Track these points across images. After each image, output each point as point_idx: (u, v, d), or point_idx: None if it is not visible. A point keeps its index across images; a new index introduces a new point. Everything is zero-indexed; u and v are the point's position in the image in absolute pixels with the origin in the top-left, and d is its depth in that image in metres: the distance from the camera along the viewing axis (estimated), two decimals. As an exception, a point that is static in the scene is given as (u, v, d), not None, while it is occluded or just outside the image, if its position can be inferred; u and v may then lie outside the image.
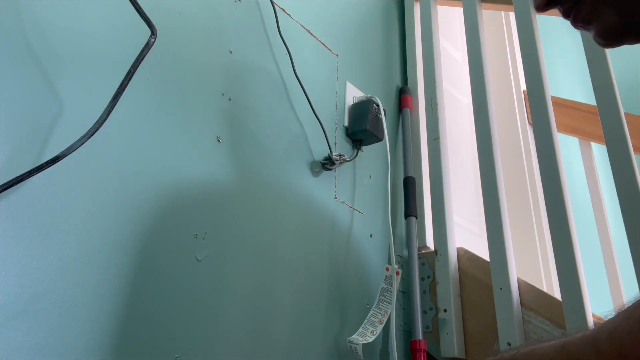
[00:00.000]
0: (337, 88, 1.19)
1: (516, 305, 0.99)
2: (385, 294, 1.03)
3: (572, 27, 0.59)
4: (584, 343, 0.45)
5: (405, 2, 1.58)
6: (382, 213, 1.20)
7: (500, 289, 1.01)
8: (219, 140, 0.87)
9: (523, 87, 2.01)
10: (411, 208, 1.23)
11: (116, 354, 0.65)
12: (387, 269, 1.06)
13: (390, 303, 1.02)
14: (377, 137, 1.16)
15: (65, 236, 0.64)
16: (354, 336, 0.97)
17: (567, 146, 2.05)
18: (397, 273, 1.05)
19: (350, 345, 0.95)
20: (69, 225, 0.64)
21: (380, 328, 0.98)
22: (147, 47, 0.66)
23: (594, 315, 0.92)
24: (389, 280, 1.05)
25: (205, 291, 0.78)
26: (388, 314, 1.01)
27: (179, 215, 0.77)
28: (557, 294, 0.99)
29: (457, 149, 1.70)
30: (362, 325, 0.99)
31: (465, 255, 1.16)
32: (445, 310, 1.09)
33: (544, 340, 0.48)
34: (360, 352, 0.93)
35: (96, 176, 0.69)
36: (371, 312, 1.01)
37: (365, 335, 0.97)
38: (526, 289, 1.01)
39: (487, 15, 1.62)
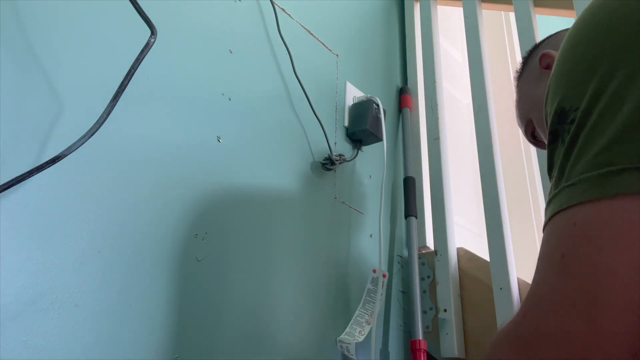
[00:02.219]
0: (337, 88, 1.19)
1: (516, 305, 0.99)
2: (371, 294, 1.03)
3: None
4: None
5: (405, 2, 1.58)
6: (382, 213, 1.20)
7: (500, 289, 1.01)
8: (219, 140, 0.87)
9: (523, 87, 2.01)
10: (411, 208, 1.23)
11: (116, 353, 0.65)
12: (375, 271, 1.06)
13: (374, 303, 1.02)
14: (377, 137, 1.16)
15: (65, 236, 0.64)
16: (343, 336, 0.96)
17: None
18: (384, 275, 1.05)
19: (341, 345, 0.95)
20: (69, 225, 0.64)
21: (368, 328, 0.98)
22: (147, 47, 0.66)
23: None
24: (375, 281, 1.05)
25: (205, 291, 0.78)
26: (375, 315, 1.00)
27: (179, 215, 0.77)
28: (557, 294, 0.99)
29: (457, 149, 1.70)
30: (349, 325, 0.99)
31: (465, 255, 1.16)
32: (445, 310, 1.09)
33: None
34: (352, 350, 0.93)
35: (96, 176, 0.69)
36: (357, 312, 1.01)
37: (354, 335, 0.97)
38: (526, 289, 1.01)
39: (487, 15, 1.62)
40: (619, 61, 0.39)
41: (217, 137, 0.87)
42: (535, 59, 0.71)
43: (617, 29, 0.41)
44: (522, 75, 0.77)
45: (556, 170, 0.42)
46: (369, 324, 0.99)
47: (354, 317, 1.00)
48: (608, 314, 0.34)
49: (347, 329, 0.98)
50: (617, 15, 0.41)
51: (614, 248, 0.35)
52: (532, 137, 0.75)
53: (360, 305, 1.02)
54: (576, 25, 0.46)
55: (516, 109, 0.78)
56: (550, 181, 0.45)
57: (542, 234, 0.43)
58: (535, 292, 0.40)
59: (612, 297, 0.34)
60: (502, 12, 2.10)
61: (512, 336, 0.41)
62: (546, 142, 0.45)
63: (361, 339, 0.96)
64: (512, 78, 2.11)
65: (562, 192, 0.40)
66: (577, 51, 0.44)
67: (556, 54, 0.65)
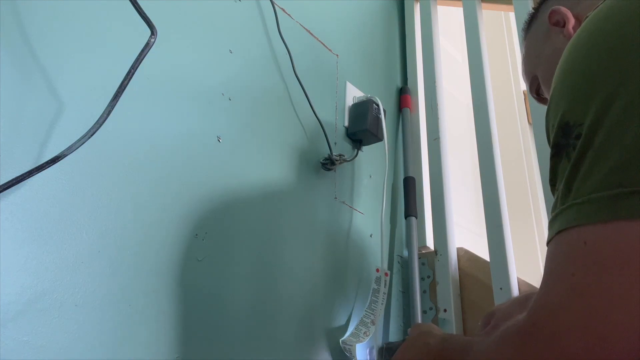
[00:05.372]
0: (337, 88, 1.19)
1: (516, 305, 0.98)
2: (376, 294, 1.03)
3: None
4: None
5: (405, 2, 1.58)
6: (383, 213, 1.20)
7: (500, 289, 1.01)
8: (219, 140, 0.87)
9: (523, 87, 2.01)
10: (411, 208, 1.23)
11: (116, 353, 0.65)
12: (378, 270, 1.06)
13: (382, 303, 1.02)
14: (377, 137, 1.16)
15: (65, 236, 0.64)
16: (347, 337, 0.96)
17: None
18: (386, 274, 1.05)
19: (344, 347, 0.95)
20: (69, 225, 0.64)
21: (373, 329, 0.98)
22: (147, 47, 0.66)
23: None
24: (378, 280, 1.05)
25: (205, 291, 0.78)
26: (380, 315, 1.01)
27: (180, 215, 0.77)
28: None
29: (457, 149, 1.70)
30: (355, 327, 0.99)
31: (465, 255, 1.16)
32: (445, 310, 1.09)
33: None
34: (354, 352, 0.93)
35: (96, 176, 0.69)
36: (363, 312, 1.01)
37: (359, 336, 0.97)
38: (526, 289, 1.01)
39: (487, 15, 1.62)
40: (625, 79, 0.39)
41: (217, 137, 0.87)
42: (545, 14, 0.70)
43: (625, 44, 0.41)
44: (530, 30, 0.75)
45: (562, 185, 0.42)
46: (373, 324, 0.99)
47: (360, 318, 1.00)
48: (617, 333, 0.36)
49: (353, 330, 0.98)
50: (624, 30, 0.41)
51: (623, 271, 0.36)
52: (537, 94, 0.75)
53: (366, 306, 1.02)
54: (580, 35, 0.45)
55: (522, 64, 0.78)
56: (552, 193, 0.45)
57: (542, 234, 0.43)
58: (545, 305, 0.41)
59: (621, 318, 0.36)
60: (502, 12, 2.10)
61: (519, 341, 0.43)
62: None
63: (366, 339, 0.96)
64: (512, 78, 2.10)
65: (571, 210, 0.40)
66: (583, 64, 0.44)
67: (567, 12, 0.65)
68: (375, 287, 1.04)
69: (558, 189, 0.43)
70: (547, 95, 0.72)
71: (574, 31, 0.64)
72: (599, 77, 0.41)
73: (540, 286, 0.42)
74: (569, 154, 0.42)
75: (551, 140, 0.45)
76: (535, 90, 0.75)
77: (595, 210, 0.38)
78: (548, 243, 0.43)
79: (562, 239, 0.40)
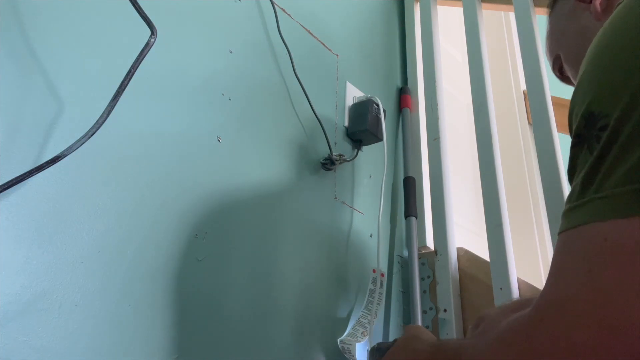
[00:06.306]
0: (337, 88, 1.19)
1: (516, 305, 0.98)
2: (372, 295, 1.03)
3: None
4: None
5: (405, 2, 1.57)
6: (382, 213, 1.20)
7: (500, 289, 1.01)
8: (219, 140, 0.87)
9: (523, 87, 2.01)
10: (411, 208, 1.23)
11: (116, 353, 0.65)
12: (374, 271, 1.06)
13: (378, 304, 1.02)
14: (377, 137, 1.16)
15: (65, 236, 0.64)
16: (345, 337, 0.96)
17: (567, 146, 2.04)
18: (382, 275, 1.05)
19: (343, 346, 0.95)
20: (69, 225, 0.64)
21: (370, 329, 0.98)
22: (147, 47, 0.66)
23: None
24: (375, 281, 1.05)
25: (205, 291, 0.78)
26: (377, 315, 1.01)
27: (179, 215, 0.77)
28: (557, 294, 0.98)
29: (457, 149, 1.70)
30: (352, 327, 0.99)
31: (465, 255, 1.16)
32: (445, 310, 1.08)
33: None
34: (354, 352, 0.93)
35: (96, 176, 0.69)
36: (360, 313, 1.01)
37: (356, 336, 0.97)
38: (526, 289, 1.01)
39: (487, 15, 1.62)
40: None
41: (217, 137, 0.87)
42: None
43: None
44: (555, 6, 0.74)
45: (582, 176, 0.40)
46: (371, 324, 0.99)
47: (357, 319, 1.00)
48: (630, 329, 0.34)
49: (350, 330, 0.98)
50: None
51: None
52: (559, 72, 0.74)
53: (363, 306, 1.02)
54: (615, 22, 0.44)
55: (546, 42, 0.76)
56: (570, 182, 0.43)
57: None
58: (556, 300, 0.39)
59: (635, 312, 0.34)
60: (502, 12, 2.10)
61: (525, 336, 0.41)
62: (570, 140, 0.43)
63: (364, 339, 0.96)
64: (512, 78, 2.10)
65: (592, 204, 0.38)
66: (615, 54, 0.42)
67: None
68: (372, 287, 1.04)
69: (576, 180, 0.41)
70: (570, 74, 0.70)
71: (601, 7, 0.62)
72: (632, 69, 0.39)
73: (549, 280, 0.41)
74: (592, 146, 0.40)
75: (573, 129, 0.44)
76: (558, 68, 0.73)
77: (619, 205, 0.36)
78: (560, 233, 0.41)
79: (580, 234, 0.39)
